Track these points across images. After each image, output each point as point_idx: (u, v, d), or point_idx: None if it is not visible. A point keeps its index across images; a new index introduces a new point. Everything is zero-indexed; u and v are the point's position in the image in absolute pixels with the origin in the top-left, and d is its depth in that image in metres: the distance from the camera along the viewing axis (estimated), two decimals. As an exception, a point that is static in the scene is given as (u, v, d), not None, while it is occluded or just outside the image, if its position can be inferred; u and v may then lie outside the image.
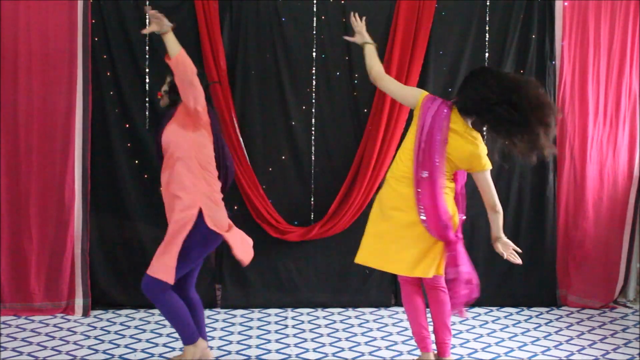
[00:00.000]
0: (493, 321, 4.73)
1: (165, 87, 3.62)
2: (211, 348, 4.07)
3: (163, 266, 3.35)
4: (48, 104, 4.60)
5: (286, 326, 4.56)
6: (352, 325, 4.58)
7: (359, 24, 3.82)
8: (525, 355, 4.08)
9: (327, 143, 4.95)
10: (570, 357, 4.04)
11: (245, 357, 3.97)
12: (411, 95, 3.54)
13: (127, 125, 4.76)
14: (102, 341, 4.18)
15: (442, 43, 4.92)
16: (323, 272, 4.99)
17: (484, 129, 3.68)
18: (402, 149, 3.54)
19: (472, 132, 3.43)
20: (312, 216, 4.96)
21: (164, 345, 4.12)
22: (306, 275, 4.99)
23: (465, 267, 3.43)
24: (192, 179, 3.40)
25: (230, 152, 4.01)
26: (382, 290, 5.01)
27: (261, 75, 4.84)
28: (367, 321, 4.67)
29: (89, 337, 4.26)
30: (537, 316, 4.84)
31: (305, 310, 4.90)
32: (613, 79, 5.02)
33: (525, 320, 4.74)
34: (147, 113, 4.74)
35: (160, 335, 4.30)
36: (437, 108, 3.40)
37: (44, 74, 4.58)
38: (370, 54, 3.71)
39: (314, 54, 4.89)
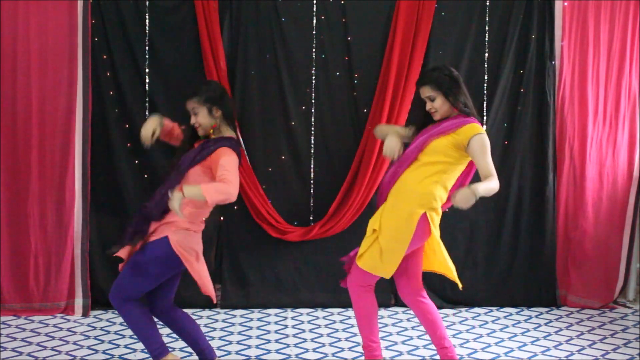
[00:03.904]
0: (493, 321, 4.73)
1: (196, 116, 3.37)
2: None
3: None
4: (48, 104, 4.60)
5: (286, 326, 4.56)
6: (352, 325, 4.58)
7: None
8: (525, 355, 4.08)
9: (327, 143, 4.95)
10: (570, 357, 4.04)
11: (245, 357, 3.97)
12: None
13: (127, 125, 4.76)
14: (102, 341, 4.18)
15: (442, 43, 4.92)
16: (323, 272, 4.98)
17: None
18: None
19: None
20: (312, 216, 4.96)
21: (164, 345, 4.12)
22: (306, 275, 4.99)
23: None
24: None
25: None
26: (382, 290, 4.99)
27: (261, 75, 4.84)
28: (367, 321, 4.67)
29: (88, 337, 4.26)
30: (536, 316, 4.84)
31: (305, 310, 4.90)
32: (613, 79, 5.02)
33: (525, 321, 4.74)
34: (147, 113, 4.74)
35: (160, 335, 4.29)
36: None
37: (44, 74, 4.58)
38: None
39: (314, 54, 4.89)
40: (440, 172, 3.38)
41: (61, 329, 4.40)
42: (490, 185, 3.27)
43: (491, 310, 4.96)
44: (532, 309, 5.00)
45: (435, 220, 3.42)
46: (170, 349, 4.02)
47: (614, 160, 5.06)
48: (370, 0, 4.87)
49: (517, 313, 4.91)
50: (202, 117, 3.36)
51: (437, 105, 3.39)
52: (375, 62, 4.88)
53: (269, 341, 4.25)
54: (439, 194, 3.39)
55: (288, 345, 4.18)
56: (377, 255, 3.36)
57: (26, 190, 4.60)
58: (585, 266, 5.06)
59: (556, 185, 5.05)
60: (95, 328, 4.42)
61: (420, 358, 3.99)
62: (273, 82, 4.86)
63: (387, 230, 3.38)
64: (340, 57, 4.90)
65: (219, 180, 3.19)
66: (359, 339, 4.30)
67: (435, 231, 3.43)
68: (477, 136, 3.31)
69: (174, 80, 4.73)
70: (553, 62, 4.98)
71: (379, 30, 4.88)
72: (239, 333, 4.39)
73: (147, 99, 4.75)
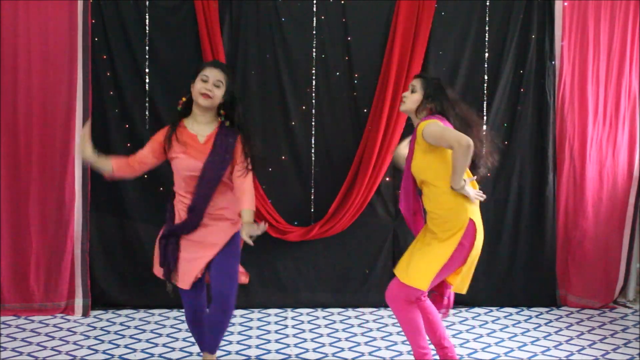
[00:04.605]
0: (493, 321, 4.73)
1: (219, 89, 3.41)
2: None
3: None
4: (48, 104, 4.60)
5: (286, 326, 4.56)
6: (352, 325, 4.58)
7: None
8: (525, 355, 4.08)
9: (327, 143, 4.95)
10: (570, 357, 4.04)
11: (245, 357, 3.97)
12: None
13: (127, 125, 4.76)
14: (102, 341, 4.18)
15: (442, 43, 4.92)
16: (323, 272, 4.99)
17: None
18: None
19: None
20: (312, 216, 4.96)
21: (164, 345, 4.12)
22: (306, 275, 4.99)
23: None
24: None
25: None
26: (382, 290, 4.98)
27: (261, 75, 4.84)
28: (367, 321, 4.68)
29: (88, 337, 4.26)
30: (537, 316, 4.84)
31: (305, 310, 4.90)
32: (613, 79, 5.02)
33: (525, 320, 4.74)
34: (147, 113, 4.74)
35: (160, 335, 4.30)
36: None
37: (44, 74, 4.58)
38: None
39: (314, 54, 4.89)
40: (443, 178, 3.33)
41: (61, 329, 4.40)
42: (455, 168, 3.21)
43: (491, 310, 4.96)
44: (532, 309, 5.00)
45: (475, 217, 3.35)
46: (170, 349, 4.03)
47: (614, 160, 5.06)
48: (370, 0, 4.87)
49: (517, 313, 4.91)
50: (219, 93, 3.41)
51: (413, 97, 3.48)
52: (375, 62, 4.88)
53: (269, 341, 4.25)
54: (456, 199, 3.33)
55: (288, 345, 4.18)
56: (406, 261, 3.40)
57: (26, 190, 4.61)
58: (585, 266, 5.06)
59: (556, 185, 5.05)
60: (95, 328, 4.42)
61: (420, 358, 3.99)
62: (273, 82, 4.86)
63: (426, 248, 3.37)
64: (340, 57, 4.90)
65: (244, 170, 3.37)
66: (359, 339, 4.31)
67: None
68: (426, 126, 3.30)
69: (174, 80, 4.73)
70: (553, 62, 4.98)
71: (379, 30, 4.88)
72: (239, 333, 4.39)
73: (147, 99, 4.75)
